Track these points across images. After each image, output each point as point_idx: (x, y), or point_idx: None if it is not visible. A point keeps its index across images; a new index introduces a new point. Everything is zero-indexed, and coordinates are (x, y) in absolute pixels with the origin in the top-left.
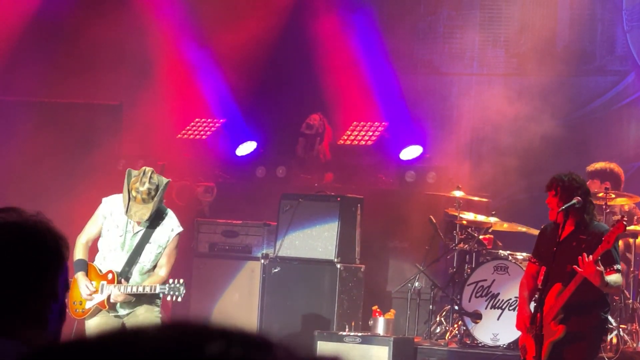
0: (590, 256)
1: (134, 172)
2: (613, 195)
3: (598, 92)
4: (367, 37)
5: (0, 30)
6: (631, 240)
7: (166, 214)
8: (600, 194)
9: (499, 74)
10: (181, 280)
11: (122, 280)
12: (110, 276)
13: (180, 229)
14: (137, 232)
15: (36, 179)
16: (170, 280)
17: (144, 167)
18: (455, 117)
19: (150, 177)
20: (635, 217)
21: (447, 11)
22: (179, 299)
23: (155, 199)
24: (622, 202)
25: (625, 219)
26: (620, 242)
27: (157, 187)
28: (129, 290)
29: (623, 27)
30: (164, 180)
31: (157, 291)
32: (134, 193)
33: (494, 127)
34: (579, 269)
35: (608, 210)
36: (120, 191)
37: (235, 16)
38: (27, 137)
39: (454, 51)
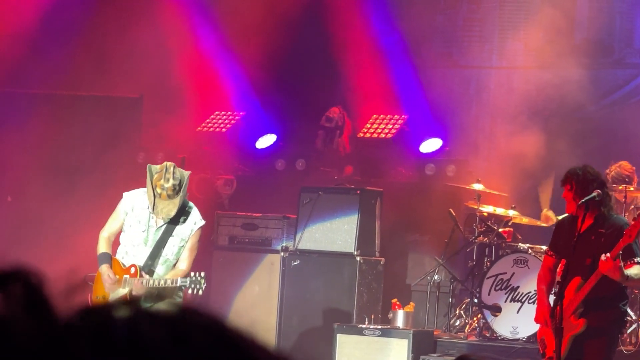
0: (608, 254)
1: (155, 168)
2: (632, 188)
3: (617, 85)
4: (386, 30)
5: (21, 22)
6: None
7: (189, 208)
8: (620, 187)
9: (518, 67)
10: (202, 274)
11: (144, 274)
12: (133, 270)
13: (203, 222)
14: (160, 227)
15: (57, 171)
16: (192, 274)
17: (165, 163)
18: (474, 110)
19: (174, 173)
20: None
21: (466, 5)
22: (200, 292)
23: (181, 193)
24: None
25: None
26: None
27: (181, 181)
28: (150, 283)
29: None
30: (186, 173)
31: (178, 284)
32: (158, 190)
33: (513, 120)
34: (599, 263)
35: (633, 207)
36: (140, 184)
37: (255, 8)
38: (47, 130)
39: (473, 44)
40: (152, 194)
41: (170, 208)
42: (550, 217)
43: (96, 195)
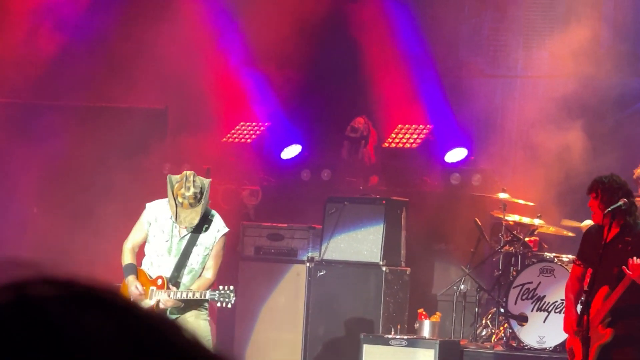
0: (636, 259)
1: (175, 178)
2: None
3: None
4: (411, 40)
5: (48, 36)
6: None
7: (212, 216)
8: None
9: (543, 76)
10: (231, 287)
11: (172, 286)
12: (160, 282)
13: (226, 229)
14: (184, 236)
15: (84, 182)
16: (221, 287)
17: (184, 172)
18: (499, 119)
19: (194, 181)
20: None
21: (491, 13)
22: (229, 306)
23: (202, 201)
24: None
25: None
26: None
27: (202, 189)
28: (178, 296)
29: None
30: (206, 181)
31: (207, 297)
32: (180, 199)
33: (538, 129)
34: (628, 272)
35: None
36: (165, 195)
37: (280, 19)
38: (75, 141)
39: (498, 53)
40: (174, 204)
41: (193, 216)
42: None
43: (122, 206)
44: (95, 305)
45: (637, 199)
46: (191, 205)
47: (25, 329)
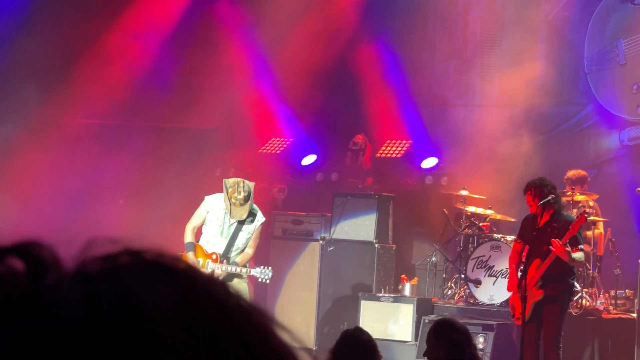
0: (560, 240)
1: (229, 182)
2: (578, 194)
3: (566, 117)
4: (397, 77)
5: (131, 68)
6: (592, 226)
7: (254, 210)
8: (568, 193)
9: (494, 105)
10: (270, 267)
11: (224, 260)
12: (214, 257)
13: (263, 219)
14: (232, 223)
15: (158, 181)
16: (262, 267)
17: (236, 179)
18: (462, 136)
19: (243, 187)
20: (594, 211)
21: (456, 60)
22: (267, 281)
23: (249, 201)
24: (584, 199)
25: (586, 212)
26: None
27: (249, 193)
28: (228, 269)
29: (584, 70)
30: (251, 185)
31: (250, 274)
32: (233, 200)
33: (490, 144)
34: (552, 249)
35: (580, 205)
36: (216, 191)
37: (300, 60)
38: (151, 152)
39: (461, 88)
40: (229, 203)
41: (242, 213)
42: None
43: (185, 199)
44: (165, 273)
45: (567, 195)
46: (241, 205)
47: (108, 294)
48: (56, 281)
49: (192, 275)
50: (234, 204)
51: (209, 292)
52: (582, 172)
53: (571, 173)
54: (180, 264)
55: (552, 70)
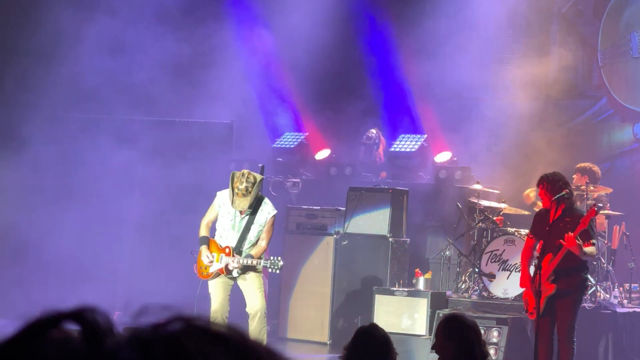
0: (571, 233)
1: (236, 174)
2: (592, 187)
3: (580, 111)
4: (412, 71)
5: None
6: (605, 220)
7: (264, 203)
8: (582, 187)
9: (508, 99)
10: (279, 257)
11: (236, 254)
12: (227, 250)
13: (275, 211)
14: (244, 217)
15: (175, 173)
16: (272, 257)
17: (244, 171)
18: (474, 131)
19: (247, 178)
20: (608, 205)
21: (469, 54)
22: (277, 272)
23: (252, 192)
24: (598, 192)
25: (597, 205)
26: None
27: (253, 183)
28: (241, 262)
29: (598, 64)
30: (259, 177)
31: (262, 264)
32: (236, 190)
33: (505, 138)
34: (564, 243)
35: (592, 200)
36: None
37: (317, 63)
38: (163, 147)
39: (475, 82)
40: (232, 193)
41: (244, 203)
42: (529, 196)
43: (201, 194)
44: (218, 339)
45: (581, 189)
46: (243, 195)
47: (166, 358)
48: (114, 346)
49: (243, 341)
50: (237, 194)
51: (260, 357)
52: (595, 168)
53: (584, 164)
54: (231, 331)
55: (565, 64)
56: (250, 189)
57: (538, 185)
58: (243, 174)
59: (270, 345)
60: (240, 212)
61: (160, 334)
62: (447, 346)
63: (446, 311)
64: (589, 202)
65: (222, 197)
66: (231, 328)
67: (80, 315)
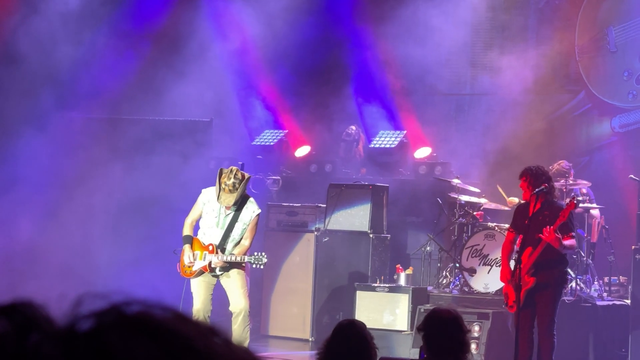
0: (551, 227)
1: (224, 170)
2: (572, 181)
3: (558, 105)
4: (391, 67)
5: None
6: (586, 213)
7: (249, 201)
8: (562, 181)
9: (486, 94)
10: (263, 253)
11: (219, 251)
12: (210, 248)
13: (259, 210)
14: (228, 214)
15: (153, 172)
16: (256, 253)
17: (231, 167)
18: (454, 126)
19: (235, 174)
20: (588, 198)
21: (447, 49)
22: (261, 267)
23: (239, 189)
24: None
25: (576, 198)
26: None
27: (240, 181)
28: (224, 258)
29: (575, 58)
30: (247, 175)
31: (245, 261)
32: (223, 185)
33: (484, 132)
34: (543, 237)
35: (572, 194)
36: (211, 184)
37: (294, 46)
38: (141, 145)
39: (453, 77)
40: (219, 188)
41: (230, 199)
42: (514, 202)
43: (181, 192)
44: (147, 331)
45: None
46: (230, 191)
47: (87, 354)
48: (40, 340)
49: (176, 331)
50: (223, 189)
51: (192, 348)
52: (558, 165)
53: (550, 173)
54: (167, 319)
55: (543, 59)
56: (237, 186)
57: (521, 177)
58: (231, 171)
59: (210, 338)
60: (226, 208)
61: (86, 328)
62: (429, 341)
63: (428, 306)
64: (583, 191)
65: (207, 194)
66: (170, 317)
67: (12, 309)
